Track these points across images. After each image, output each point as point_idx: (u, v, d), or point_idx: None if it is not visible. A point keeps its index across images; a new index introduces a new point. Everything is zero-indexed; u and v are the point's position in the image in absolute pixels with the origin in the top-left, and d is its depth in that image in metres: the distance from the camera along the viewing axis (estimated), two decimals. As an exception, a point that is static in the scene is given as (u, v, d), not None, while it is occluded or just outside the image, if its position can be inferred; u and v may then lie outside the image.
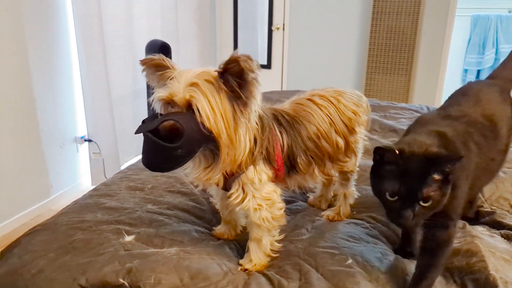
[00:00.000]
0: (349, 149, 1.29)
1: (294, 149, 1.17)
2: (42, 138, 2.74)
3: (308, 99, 1.25)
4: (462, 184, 1.00)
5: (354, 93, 1.34)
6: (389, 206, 0.91)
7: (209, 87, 0.96)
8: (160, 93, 0.99)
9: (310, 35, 4.52)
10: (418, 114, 2.35)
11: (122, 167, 3.39)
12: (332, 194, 1.50)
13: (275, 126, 1.15)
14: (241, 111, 1.00)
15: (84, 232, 1.21)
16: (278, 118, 1.17)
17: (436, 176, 0.87)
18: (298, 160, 1.18)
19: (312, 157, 1.20)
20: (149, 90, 3.31)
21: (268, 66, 4.74)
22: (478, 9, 5.18)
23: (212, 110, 0.96)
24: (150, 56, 1.05)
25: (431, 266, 1.01)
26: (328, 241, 1.21)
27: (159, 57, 1.05)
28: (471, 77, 5.40)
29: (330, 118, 1.24)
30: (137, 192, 1.44)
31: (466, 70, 5.49)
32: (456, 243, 1.17)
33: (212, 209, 1.40)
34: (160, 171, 1.04)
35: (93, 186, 1.93)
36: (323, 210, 1.46)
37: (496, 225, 1.34)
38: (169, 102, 0.99)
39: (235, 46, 4.79)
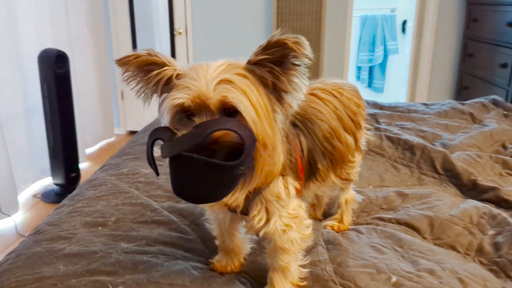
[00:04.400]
0: (357, 147, 1.14)
1: (314, 153, 0.98)
2: None
3: (310, 94, 1.07)
4: None
5: (351, 84, 1.19)
6: None
7: (245, 82, 0.73)
8: (179, 97, 0.72)
9: (215, 39, 4.36)
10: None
11: (20, 199, 2.85)
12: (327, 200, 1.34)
13: (290, 127, 0.94)
14: (276, 109, 0.78)
15: (48, 295, 0.87)
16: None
17: None
18: (319, 166, 0.99)
19: (331, 160, 1.02)
20: (47, 105, 2.86)
21: (172, 72, 4.48)
22: (364, 10, 5.51)
23: (256, 111, 0.72)
24: (134, 53, 0.78)
25: None
26: (355, 258, 1.04)
27: (147, 52, 0.78)
28: (365, 74, 5.74)
29: (337, 114, 1.07)
30: (100, 228, 1.11)
31: (359, 68, 5.81)
32: (496, 234, 1.09)
33: (201, 238, 1.14)
34: (213, 201, 0.76)
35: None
36: (320, 220, 1.30)
37: (503, 203, 1.28)
38: (187, 110, 0.74)
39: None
